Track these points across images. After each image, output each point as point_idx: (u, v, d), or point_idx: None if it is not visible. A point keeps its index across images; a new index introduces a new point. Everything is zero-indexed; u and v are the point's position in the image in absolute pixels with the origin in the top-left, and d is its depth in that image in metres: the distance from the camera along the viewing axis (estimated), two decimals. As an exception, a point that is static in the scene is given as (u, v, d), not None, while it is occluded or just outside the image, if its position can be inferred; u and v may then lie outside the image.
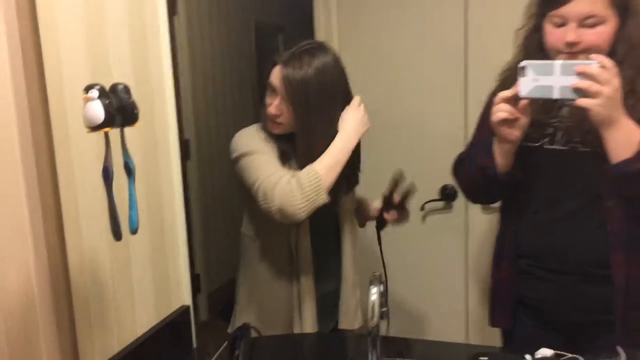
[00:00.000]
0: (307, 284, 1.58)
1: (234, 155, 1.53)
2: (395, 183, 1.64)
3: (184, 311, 1.44)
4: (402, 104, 2.28)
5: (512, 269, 1.48)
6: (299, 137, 1.49)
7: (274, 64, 1.50)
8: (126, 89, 0.95)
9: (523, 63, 1.24)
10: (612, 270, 1.32)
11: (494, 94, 1.43)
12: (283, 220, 1.41)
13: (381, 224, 1.70)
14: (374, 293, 1.00)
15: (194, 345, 1.47)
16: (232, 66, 3.89)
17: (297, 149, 1.49)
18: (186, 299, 1.47)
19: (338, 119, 1.51)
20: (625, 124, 1.22)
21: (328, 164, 1.44)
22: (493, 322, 1.55)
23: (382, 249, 1.66)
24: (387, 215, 1.67)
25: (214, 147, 3.62)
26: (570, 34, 1.28)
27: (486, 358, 1.19)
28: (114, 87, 0.95)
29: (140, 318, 1.29)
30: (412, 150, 2.22)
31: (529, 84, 1.24)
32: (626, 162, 1.22)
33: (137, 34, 1.29)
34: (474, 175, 1.46)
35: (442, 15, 2.20)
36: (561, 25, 1.31)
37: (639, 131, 1.22)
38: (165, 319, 1.37)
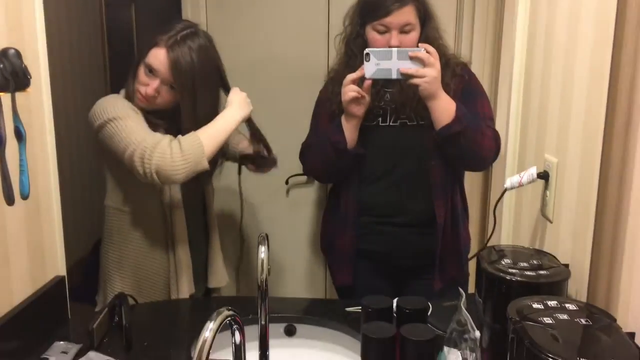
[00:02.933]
0: (183, 252, 1.64)
1: (99, 121, 1.50)
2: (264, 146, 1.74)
3: (58, 281, 1.42)
4: (269, 84, 2.39)
5: (354, 231, 1.73)
6: (185, 118, 1.53)
7: (153, 45, 1.51)
8: (17, 54, 0.96)
9: (367, 50, 1.50)
10: (435, 214, 1.66)
11: (323, 91, 1.77)
12: (158, 182, 1.43)
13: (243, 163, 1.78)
14: (263, 252, 1.11)
15: (69, 316, 1.46)
16: (80, 39, 3.67)
17: (182, 128, 1.53)
18: (60, 269, 1.45)
19: (218, 96, 1.59)
20: (444, 97, 1.53)
21: (211, 133, 1.49)
22: (339, 281, 1.80)
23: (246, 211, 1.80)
24: (251, 167, 1.77)
25: (62, 118, 3.42)
26: (394, 39, 1.58)
27: (353, 308, 1.36)
28: (4, 51, 0.94)
29: (16, 288, 1.27)
30: (280, 127, 2.35)
31: (372, 68, 1.50)
32: (448, 126, 1.53)
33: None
34: (326, 153, 1.67)
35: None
36: (384, 32, 1.60)
37: (453, 103, 1.54)
38: (40, 289, 1.35)
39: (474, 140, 1.55)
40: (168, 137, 1.46)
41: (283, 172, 2.27)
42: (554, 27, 1.28)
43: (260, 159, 1.74)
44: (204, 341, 0.77)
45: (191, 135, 1.47)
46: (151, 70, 1.52)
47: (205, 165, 1.46)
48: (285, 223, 2.52)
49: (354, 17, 1.70)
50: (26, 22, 1.29)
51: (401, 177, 1.69)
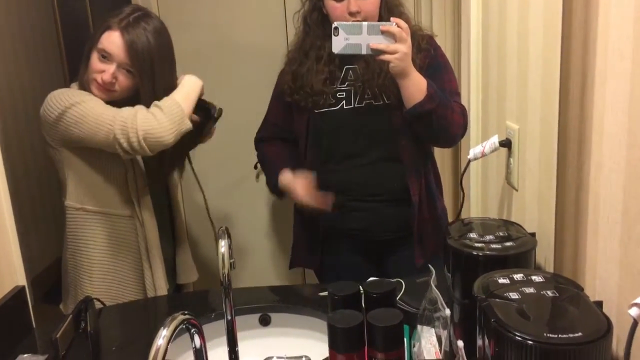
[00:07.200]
0: (155, 248, 1.60)
1: (56, 112, 1.43)
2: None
3: (18, 292, 1.37)
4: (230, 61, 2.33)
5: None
6: (144, 100, 1.47)
7: (105, 30, 1.45)
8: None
9: (335, 24, 1.41)
10: (410, 192, 1.63)
11: (280, 78, 1.72)
12: (147, 151, 1.40)
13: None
14: (223, 246, 1.07)
15: (34, 325, 1.41)
16: (34, 34, 3.55)
17: None
18: (19, 279, 1.40)
19: (175, 80, 1.54)
20: (415, 74, 1.47)
21: (183, 94, 1.48)
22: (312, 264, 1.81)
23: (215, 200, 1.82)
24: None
25: (21, 122, 3.31)
26: (352, 5, 1.50)
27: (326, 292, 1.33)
28: None
29: (-28, 304, 1.22)
30: (241, 110, 2.29)
31: (340, 43, 1.41)
32: (420, 104, 1.47)
33: None
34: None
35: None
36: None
37: (424, 80, 1.48)
38: (-2, 302, 1.30)
39: (444, 117, 1.50)
40: (142, 106, 1.43)
41: (251, 156, 2.23)
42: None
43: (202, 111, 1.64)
44: (157, 350, 0.73)
45: (167, 98, 1.45)
46: (105, 56, 1.46)
47: (188, 124, 1.45)
48: (256, 208, 2.48)
49: None
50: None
51: (372, 157, 1.66)
